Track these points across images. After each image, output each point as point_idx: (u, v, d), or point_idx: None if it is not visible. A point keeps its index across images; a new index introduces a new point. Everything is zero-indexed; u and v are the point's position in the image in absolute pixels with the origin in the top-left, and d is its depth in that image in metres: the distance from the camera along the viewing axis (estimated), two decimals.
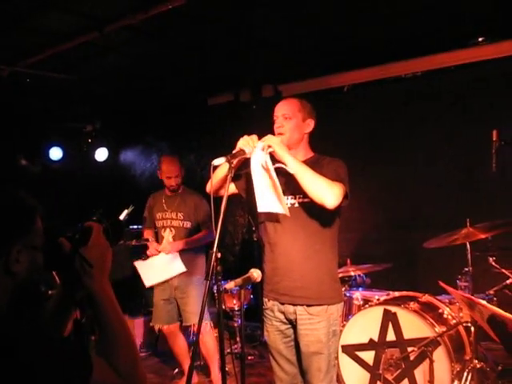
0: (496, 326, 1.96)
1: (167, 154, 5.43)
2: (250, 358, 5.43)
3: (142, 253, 4.89)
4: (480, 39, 5.25)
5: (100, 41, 4.60)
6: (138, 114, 7.32)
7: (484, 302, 1.97)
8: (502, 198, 4.97)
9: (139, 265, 4.87)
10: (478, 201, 5.04)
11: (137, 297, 6.25)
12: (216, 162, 2.56)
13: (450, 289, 2.24)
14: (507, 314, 1.79)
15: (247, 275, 2.49)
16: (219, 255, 2.37)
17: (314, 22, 4.71)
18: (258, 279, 2.53)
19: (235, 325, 5.57)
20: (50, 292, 5.64)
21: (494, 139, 3.82)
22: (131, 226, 6.43)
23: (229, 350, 5.61)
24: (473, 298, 2.01)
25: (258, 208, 2.76)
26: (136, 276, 6.13)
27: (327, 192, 2.68)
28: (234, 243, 7.06)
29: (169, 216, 4.80)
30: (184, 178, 4.88)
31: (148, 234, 4.92)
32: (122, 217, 5.07)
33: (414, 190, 5.58)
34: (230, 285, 2.37)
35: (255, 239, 5.80)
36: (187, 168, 7.37)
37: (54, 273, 5.65)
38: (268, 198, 2.72)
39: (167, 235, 4.78)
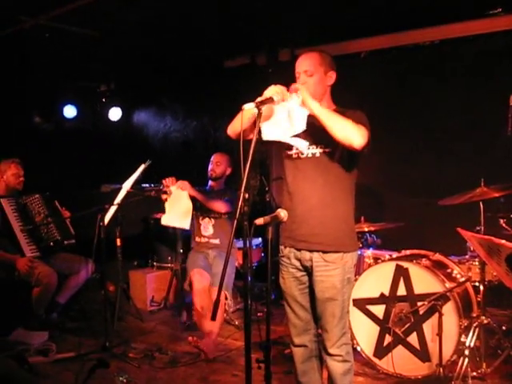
0: None
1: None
2: (259, 314, 5.54)
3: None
4: (498, 10, 5.30)
5: None
6: (153, 75, 7.34)
7: (503, 241, 2.05)
8: None
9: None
10: (492, 165, 5.07)
11: (149, 252, 6.36)
12: (246, 106, 2.62)
13: (468, 233, 2.32)
14: None
15: (275, 214, 2.59)
16: (246, 196, 2.46)
17: None
18: (285, 219, 2.62)
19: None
20: (65, 242, 5.69)
21: (511, 104, 3.91)
22: (144, 184, 6.48)
23: (238, 307, 5.77)
24: (493, 238, 2.09)
25: (263, 135, 2.84)
26: (149, 230, 6.20)
27: (354, 132, 2.73)
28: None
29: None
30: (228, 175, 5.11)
31: None
32: (139, 171, 5.16)
33: (427, 155, 5.61)
34: (260, 221, 2.46)
35: (267, 199, 5.87)
36: (201, 129, 7.45)
37: (70, 226, 5.71)
38: (282, 128, 2.82)
39: (206, 223, 5.12)
